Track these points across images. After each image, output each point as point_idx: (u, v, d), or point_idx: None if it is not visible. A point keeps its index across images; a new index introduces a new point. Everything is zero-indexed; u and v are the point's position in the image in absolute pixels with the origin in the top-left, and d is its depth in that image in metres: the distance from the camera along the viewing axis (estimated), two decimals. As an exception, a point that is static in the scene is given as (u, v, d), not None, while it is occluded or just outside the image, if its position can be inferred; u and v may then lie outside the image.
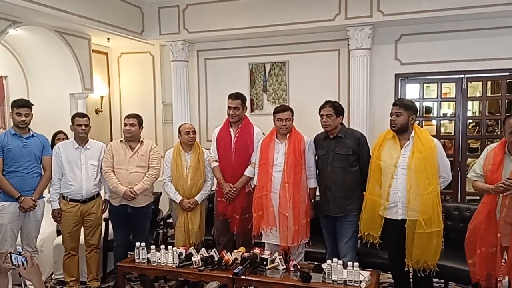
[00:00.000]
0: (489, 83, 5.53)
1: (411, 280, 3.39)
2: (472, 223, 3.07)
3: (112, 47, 6.38)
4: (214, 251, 3.47)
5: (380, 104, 5.02)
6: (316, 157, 3.72)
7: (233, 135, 4.02)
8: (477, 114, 6.29)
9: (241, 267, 3.13)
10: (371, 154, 3.46)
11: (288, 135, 3.70)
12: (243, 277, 3.10)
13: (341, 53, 5.42)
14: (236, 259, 3.32)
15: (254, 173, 3.87)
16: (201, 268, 3.27)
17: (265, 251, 3.38)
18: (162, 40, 5.90)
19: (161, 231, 4.52)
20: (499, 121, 5.07)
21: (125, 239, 4.02)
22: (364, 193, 3.44)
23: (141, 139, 4.02)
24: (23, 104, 3.72)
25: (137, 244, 3.50)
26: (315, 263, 3.46)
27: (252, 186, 3.93)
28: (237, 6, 5.41)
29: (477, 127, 6.10)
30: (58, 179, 3.88)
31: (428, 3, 4.66)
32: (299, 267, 3.21)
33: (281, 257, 3.29)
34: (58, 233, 4.33)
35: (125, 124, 3.96)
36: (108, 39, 5.87)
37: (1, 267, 2.10)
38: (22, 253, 2.11)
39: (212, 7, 5.52)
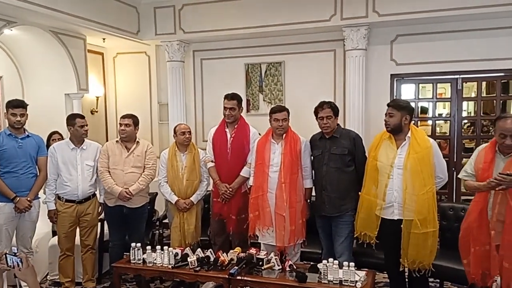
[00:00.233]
0: (484, 83, 5.55)
1: (406, 280, 3.40)
2: (465, 222, 3.09)
3: (108, 47, 6.36)
4: (210, 251, 3.47)
5: (376, 105, 5.03)
6: (312, 158, 3.73)
7: (229, 136, 4.02)
8: (472, 114, 6.33)
9: (237, 268, 3.13)
10: (367, 154, 3.47)
11: (284, 135, 3.70)
12: (239, 277, 3.09)
13: (337, 53, 5.43)
14: (232, 259, 3.32)
15: (250, 174, 3.87)
16: (197, 269, 3.26)
17: (261, 251, 3.39)
18: (158, 40, 5.89)
19: (157, 231, 4.52)
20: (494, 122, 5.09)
21: (120, 239, 4.01)
22: (359, 193, 3.45)
23: (137, 139, 4.01)
24: (18, 105, 3.70)
25: (133, 244, 3.49)
26: (311, 263, 3.46)
27: (248, 187, 3.93)
28: (233, 6, 5.41)
29: (472, 127, 6.13)
30: (53, 180, 3.87)
31: (423, 4, 4.68)
32: (295, 267, 3.21)
33: (277, 257, 3.29)
34: (54, 233, 4.32)
35: (120, 124, 3.96)
36: (104, 39, 5.85)
37: (-4, 268, 2.09)
38: (17, 254, 2.10)
39: (208, 7, 5.52)
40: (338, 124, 3.66)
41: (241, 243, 3.81)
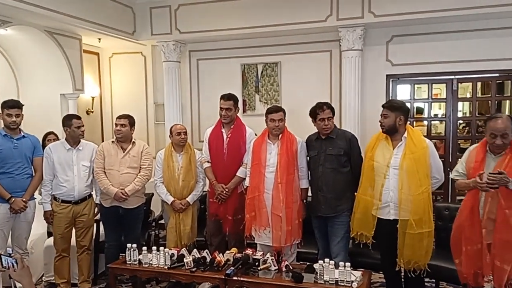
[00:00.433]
0: (479, 84, 5.58)
1: (402, 280, 3.41)
2: (456, 221, 3.10)
3: (104, 47, 6.35)
4: (206, 252, 3.46)
5: (372, 105, 5.05)
6: (308, 158, 3.73)
7: (225, 136, 4.02)
8: (467, 115, 6.36)
9: (233, 268, 3.13)
10: (364, 154, 3.48)
11: (280, 136, 3.70)
12: (235, 278, 3.09)
13: (333, 54, 5.45)
14: (228, 260, 3.32)
15: (246, 174, 3.87)
16: (193, 269, 3.26)
17: (257, 251, 3.38)
18: (154, 40, 5.88)
19: (153, 232, 4.51)
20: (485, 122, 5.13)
21: (116, 240, 4.00)
22: (355, 193, 3.45)
23: (133, 140, 4.00)
24: (13, 105, 3.69)
25: (129, 245, 3.48)
26: (307, 263, 3.47)
27: (244, 187, 3.93)
28: (229, 6, 5.41)
29: (467, 128, 6.16)
30: (49, 181, 3.85)
31: (419, 4, 4.70)
32: (291, 268, 3.21)
33: (273, 257, 3.29)
34: (49, 234, 4.30)
35: (116, 125, 3.95)
36: (99, 39, 5.84)
37: (-10, 269, 2.08)
38: (12, 255, 2.09)
39: (204, 8, 5.52)
40: (334, 125, 3.67)
41: (237, 244, 3.81)
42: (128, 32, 5.71)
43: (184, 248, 3.58)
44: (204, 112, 6.04)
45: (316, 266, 3.11)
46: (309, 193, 3.79)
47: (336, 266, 3.00)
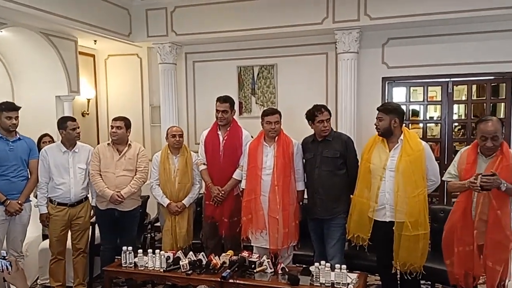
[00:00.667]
0: (474, 86, 5.61)
1: (398, 282, 3.41)
2: (448, 222, 3.12)
3: (99, 49, 6.33)
4: (202, 254, 3.45)
5: (368, 107, 5.06)
6: (304, 160, 3.73)
7: (221, 138, 4.01)
8: (463, 117, 6.38)
9: (229, 271, 3.12)
10: (361, 156, 3.48)
11: (276, 138, 3.70)
12: (231, 280, 3.09)
13: (329, 56, 5.47)
14: (224, 262, 3.31)
15: (242, 177, 3.86)
16: (189, 272, 3.25)
17: (253, 254, 3.38)
18: (150, 42, 5.87)
19: (149, 235, 4.49)
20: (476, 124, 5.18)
21: (112, 243, 3.98)
22: (351, 195, 3.46)
23: (129, 142, 3.99)
24: (13, 108, 3.71)
25: (124, 248, 3.46)
26: (303, 265, 3.46)
27: (240, 190, 3.92)
28: (225, 8, 5.41)
29: (463, 130, 6.19)
30: (45, 183, 3.83)
31: (414, 7, 4.73)
32: (287, 270, 3.21)
33: (269, 260, 3.29)
34: (44, 237, 4.28)
35: (112, 127, 3.93)
36: (95, 41, 5.82)
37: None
38: (6, 257, 2.08)
39: (200, 10, 5.51)
40: (331, 127, 3.68)
41: (234, 246, 3.80)
42: (124, 34, 5.69)
43: (180, 251, 3.56)
44: (200, 114, 6.03)
45: (312, 268, 3.10)
46: (305, 195, 3.79)
47: (332, 268, 3.00)
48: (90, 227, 4.13)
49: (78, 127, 3.92)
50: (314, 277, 3.04)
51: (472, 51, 4.94)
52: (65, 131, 3.85)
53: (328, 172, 3.53)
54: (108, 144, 3.96)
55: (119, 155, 3.90)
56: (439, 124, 5.44)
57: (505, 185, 2.76)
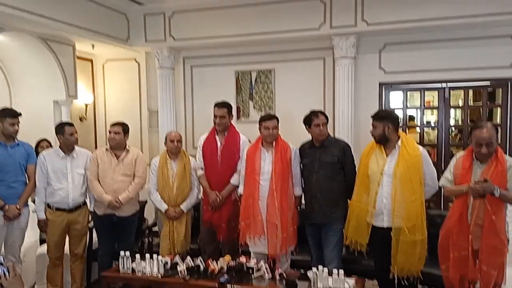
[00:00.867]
0: (470, 92, 5.65)
1: (396, 287, 3.41)
2: (444, 227, 3.13)
3: (97, 54, 6.34)
4: (200, 260, 3.45)
5: (365, 113, 5.06)
6: (302, 166, 3.75)
7: (219, 143, 4.03)
8: (459, 122, 6.42)
9: (227, 276, 3.13)
10: (359, 162, 3.49)
11: (274, 143, 3.72)
12: (229, 286, 3.09)
13: (326, 61, 5.49)
14: (222, 268, 3.31)
15: (240, 182, 3.87)
16: (187, 277, 3.25)
17: (251, 259, 3.38)
18: (148, 47, 5.89)
19: (146, 240, 4.48)
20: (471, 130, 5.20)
21: (110, 248, 3.97)
22: (349, 201, 3.47)
23: (127, 147, 3.99)
24: (15, 114, 3.73)
25: (122, 253, 3.46)
26: (301, 270, 3.47)
27: (238, 195, 3.93)
28: (223, 14, 5.43)
29: (460, 135, 6.22)
30: (43, 189, 3.82)
31: (411, 13, 4.76)
32: (285, 275, 3.21)
33: (267, 265, 3.29)
34: (41, 242, 4.27)
35: (110, 132, 3.93)
36: (93, 45, 5.83)
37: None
38: (3, 263, 2.08)
39: (199, 15, 5.54)
40: (328, 133, 3.69)
41: (231, 251, 3.80)
42: (122, 39, 5.71)
43: (178, 256, 3.56)
44: (198, 119, 6.04)
45: (310, 273, 3.11)
46: (303, 201, 3.80)
47: (330, 273, 3.00)
48: (88, 232, 4.13)
49: (76, 133, 3.92)
50: (312, 282, 3.04)
51: (469, 57, 4.97)
52: (63, 137, 3.85)
53: (325, 177, 3.55)
54: (106, 149, 3.96)
55: (117, 160, 3.90)
56: (436, 129, 5.46)
57: (499, 191, 2.79)
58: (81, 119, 6.17)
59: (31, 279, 4.25)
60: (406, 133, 5.00)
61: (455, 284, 3.03)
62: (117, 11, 5.61)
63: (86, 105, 6.24)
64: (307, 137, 3.74)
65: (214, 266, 3.31)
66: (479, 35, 4.91)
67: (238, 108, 5.82)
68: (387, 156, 3.26)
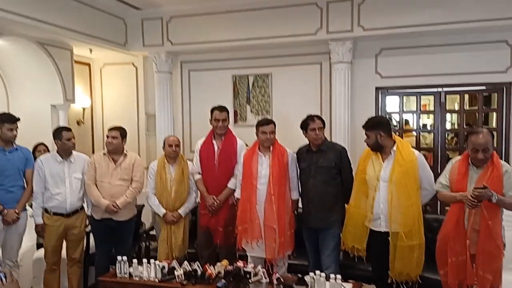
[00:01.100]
0: (466, 96, 5.68)
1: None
2: (441, 232, 3.15)
3: (95, 58, 6.34)
4: (197, 264, 3.45)
5: (361, 117, 5.02)
6: (299, 170, 3.76)
7: (216, 148, 4.04)
8: (455, 126, 6.45)
9: (224, 281, 3.13)
10: (356, 167, 3.51)
11: (271, 147, 3.73)
12: (226, 290, 3.09)
13: (323, 66, 5.52)
14: (219, 272, 3.31)
15: (237, 186, 3.88)
16: (184, 282, 3.25)
17: (248, 264, 3.39)
18: (146, 51, 5.90)
19: (144, 244, 4.48)
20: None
21: (107, 252, 3.97)
22: (347, 206, 3.48)
23: (125, 151, 4.00)
24: (14, 119, 3.73)
25: (119, 258, 3.45)
26: (298, 275, 3.48)
27: (235, 199, 3.94)
28: (220, 19, 5.45)
29: (456, 139, 6.25)
30: (40, 193, 3.82)
31: (407, 18, 4.79)
32: (282, 280, 3.22)
33: (264, 270, 3.30)
34: (38, 246, 4.26)
35: (108, 137, 3.94)
36: (91, 50, 5.83)
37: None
38: (1, 268, 2.08)
39: (196, 20, 5.55)
40: (324, 137, 3.71)
41: (229, 256, 3.81)
42: (120, 43, 5.72)
43: (175, 261, 3.56)
44: (196, 123, 6.05)
45: (307, 278, 3.12)
46: (300, 205, 3.82)
47: (327, 278, 3.01)
48: (85, 236, 4.13)
49: (74, 137, 3.92)
50: (309, 287, 3.05)
51: (464, 61, 5.00)
52: (60, 141, 3.85)
53: (322, 182, 3.56)
54: (104, 153, 3.97)
55: (115, 164, 3.91)
56: (432, 133, 5.50)
57: (496, 197, 2.80)
58: (78, 123, 6.16)
59: (28, 284, 4.24)
60: (402, 137, 5.06)
61: None
62: (115, 16, 5.62)
63: (84, 109, 6.24)
64: (304, 141, 3.76)
65: (211, 270, 3.31)
66: (475, 40, 4.94)
67: (235, 112, 5.84)
68: (383, 161, 3.29)
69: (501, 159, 3.08)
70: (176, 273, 3.30)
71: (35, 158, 4.02)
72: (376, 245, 3.30)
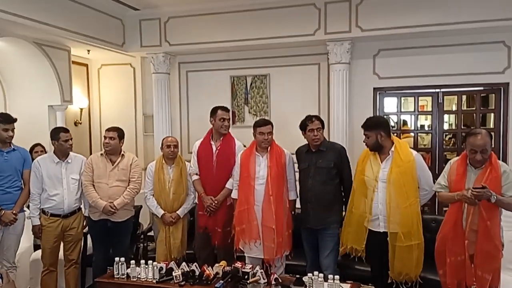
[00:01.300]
0: (464, 97, 5.69)
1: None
2: (440, 233, 3.16)
3: (92, 59, 6.33)
4: (195, 265, 3.44)
5: (359, 118, 5.04)
6: (298, 170, 3.75)
7: (214, 148, 4.04)
8: (453, 126, 6.46)
9: (222, 282, 3.12)
10: (355, 168, 3.51)
11: (268, 148, 3.73)
12: (224, 291, 3.09)
13: (321, 67, 5.52)
14: (217, 273, 3.31)
15: (234, 186, 3.88)
16: (182, 283, 3.23)
17: (246, 265, 3.38)
18: (143, 52, 5.89)
19: (141, 245, 4.47)
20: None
21: (104, 253, 3.96)
22: (347, 207, 3.48)
23: (122, 152, 3.99)
24: (10, 120, 3.71)
25: (116, 259, 3.44)
26: (296, 276, 3.47)
27: (232, 200, 3.93)
28: (218, 19, 5.45)
29: (453, 139, 6.26)
30: (37, 194, 3.81)
31: (405, 19, 4.79)
32: (280, 281, 3.21)
33: (262, 270, 3.29)
34: (35, 247, 4.24)
35: (105, 137, 3.93)
36: (88, 50, 5.81)
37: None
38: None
39: (194, 20, 5.55)
40: (324, 137, 3.71)
41: (227, 257, 3.80)
42: (118, 44, 5.71)
43: (173, 262, 3.55)
44: (194, 124, 6.04)
45: (305, 279, 3.11)
46: (298, 205, 3.81)
47: (325, 278, 3.01)
48: (83, 237, 4.11)
49: (71, 138, 3.91)
50: (307, 287, 3.04)
51: (462, 62, 5.01)
52: (58, 142, 3.84)
53: (321, 182, 3.56)
54: (101, 154, 3.96)
55: (112, 165, 3.90)
56: (430, 134, 5.50)
57: (495, 197, 2.80)
58: (76, 124, 6.15)
59: (25, 285, 4.23)
60: (400, 138, 5.06)
61: None
62: (113, 17, 5.61)
63: (81, 110, 6.22)
64: (302, 142, 3.76)
65: (209, 271, 3.31)
66: (472, 41, 4.95)
67: (233, 113, 5.83)
68: (381, 162, 3.29)
69: (499, 159, 3.08)
70: (174, 274, 3.30)
71: (33, 159, 4.00)
72: (375, 245, 3.30)
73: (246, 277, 3.22)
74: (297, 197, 3.85)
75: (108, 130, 3.97)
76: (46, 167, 3.82)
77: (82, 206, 4.02)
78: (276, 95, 5.73)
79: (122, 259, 3.44)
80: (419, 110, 5.66)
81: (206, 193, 3.99)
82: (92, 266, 4.08)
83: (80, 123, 6.23)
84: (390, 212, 3.18)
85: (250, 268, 3.27)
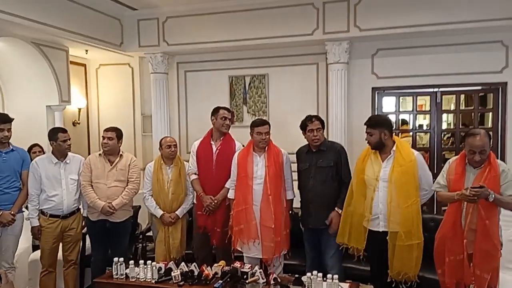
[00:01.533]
0: (462, 96, 5.69)
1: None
2: (439, 232, 3.17)
3: (91, 59, 6.32)
4: (194, 265, 3.44)
5: (358, 117, 5.10)
6: (299, 170, 3.75)
7: (214, 148, 4.04)
8: (452, 126, 6.47)
9: (221, 281, 3.13)
10: (355, 167, 3.51)
11: (266, 148, 3.73)
12: (223, 291, 3.09)
13: (319, 66, 5.51)
14: (216, 273, 3.31)
15: (231, 186, 3.88)
16: (181, 283, 3.24)
17: (245, 264, 3.38)
18: (142, 52, 5.88)
19: (140, 245, 4.47)
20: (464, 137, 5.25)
21: (103, 254, 3.96)
22: (347, 207, 3.47)
23: (120, 152, 3.98)
24: (6, 120, 3.70)
25: (115, 259, 3.44)
26: (295, 275, 3.47)
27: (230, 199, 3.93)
28: (217, 19, 5.44)
29: (452, 139, 6.26)
30: (36, 195, 3.80)
31: (403, 19, 4.80)
32: (279, 280, 3.21)
33: (261, 270, 3.29)
34: (34, 248, 4.24)
35: (103, 138, 3.93)
36: (87, 50, 5.80)
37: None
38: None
39: (192, 20, 5.54)
40: (324, 137, 3.71)
41: (225, 256, 3.80)
42: (116, 44, 5.70)
43: (172, 262, 3.55)
44: (192, 124, 6.04)
45: (304, 278, 3.12)
46: (298, 205, 3.81)
47: (324, 278, 3.01)
48: (81, 238, 4.10)
49: (69, 139, 3.90)
50: (306, 287, 3.05)
51: (460, 62, 5.01)
52: (56, 143, 3.83)
53: (322, 182, 3.57)
54: (100, 154, 3.95)
55: (111, 165, 3.89)
56: (429, 133, 5.51)
57: (493, 196, 2.81)
58: (74, 124, 6.14)
59: (23, 285, 4.22)
60: (399, 137, 5.07)
61: None
62: (111, 17, 5.60)
63: (79, 110, 6.21)
64: (301, 141, 3.76)
65: (208, 271, 3.31)
66: (471, 40, 4.96)
67: (232, 113, 5.81)
68: (382, 161, 3.29)
69: (497, 159, 3.09)
70: (172, 274, 3.30)
71: (31, 160, 3.99)
72: (374, 245, 3.30)
73: (245, 276, 3.22)
74: (294, 196, 3.86)
75: (107, 130, 3.96)
76: (44, 168, 3.81)
77: (81, 206, 4.02)
78: (274, 95, 5.73)
79: (121, 259, 3.44)
80: (418, 109, 5.66)
81: (205, 192, 3.99)
82: (91, 267, 4.08)
83: (78, 123, 6.22)
84: (391, 212, 3.18)
85: (249, 268, 3.28)
